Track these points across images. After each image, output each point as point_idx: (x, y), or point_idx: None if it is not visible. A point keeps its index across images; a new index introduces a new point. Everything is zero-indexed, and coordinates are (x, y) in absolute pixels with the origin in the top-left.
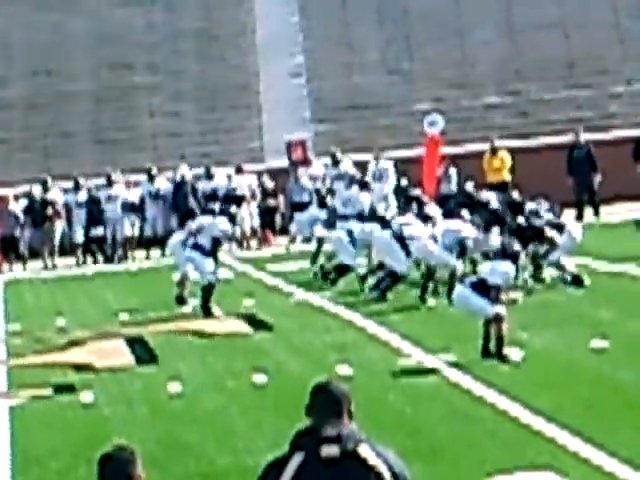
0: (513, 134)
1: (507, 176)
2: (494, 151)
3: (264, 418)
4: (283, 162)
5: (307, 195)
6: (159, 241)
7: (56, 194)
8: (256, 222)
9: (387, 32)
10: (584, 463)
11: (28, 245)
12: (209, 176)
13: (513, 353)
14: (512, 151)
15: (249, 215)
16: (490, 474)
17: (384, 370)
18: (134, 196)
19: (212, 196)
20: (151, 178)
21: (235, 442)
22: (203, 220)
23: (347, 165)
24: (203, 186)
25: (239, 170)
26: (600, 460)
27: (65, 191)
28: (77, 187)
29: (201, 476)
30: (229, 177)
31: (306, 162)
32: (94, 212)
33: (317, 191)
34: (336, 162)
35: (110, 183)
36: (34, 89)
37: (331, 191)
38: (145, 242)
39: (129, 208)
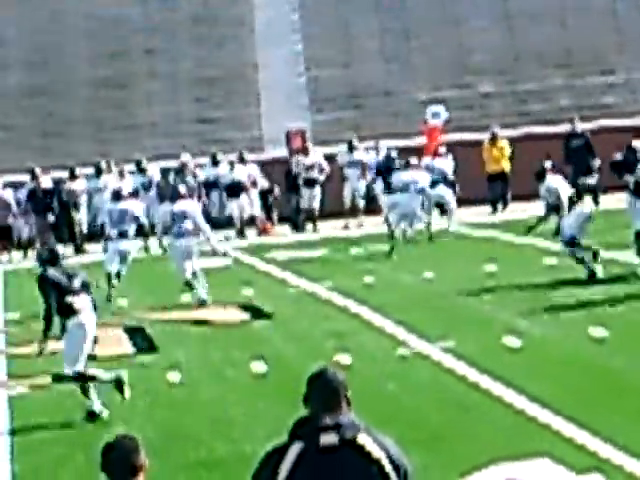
0: (511, 123)
1: (506, 165)
2: (494, 140)
3: (263, 406)
4: (282, 151)
5: None
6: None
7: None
8: (257, 211)
9: (385, 21)
10: (580, 450)
11: (28, 234)
12: (215, 162)
13: (510, 341)
14: (510, 140)
15: (249, 204)
16: (489, 463)
17: (383, 358)
18: (128, 186)
19: (213, 184)
20: (141, 170)
21: (234, 430)
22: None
23: (361, 154)
24: (206, 173)
25: (242, 159)
26: (595, 447)
27: (55, 182)
28: (73, 176)
29: (200, 464)
30: (232, 165)
31: (305, 151)
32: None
33: (311, 180)
34: (351, 148)
35: (99, 173)
36: (31, 77)
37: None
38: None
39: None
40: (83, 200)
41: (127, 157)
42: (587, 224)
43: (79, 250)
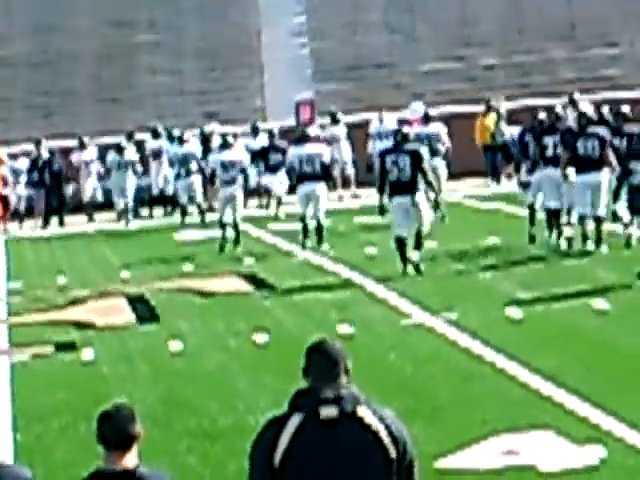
0: (513, 95)
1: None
2: (487, 112)
3: (265, 377)
4: (284, 122)
5: None
6: (164, 200)
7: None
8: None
9: None
10: (582, 422)
11: (27, 204)
12: (255, 132)
13: (513, 313)
14: (511, 112)
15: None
16: (490, 434)
17: (385, 329)
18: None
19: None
20: (155, 136)
21: (236, 401)
22: None
23: (341, 128)
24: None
25: (255, 130)
26: (597, 419)
27: (63, 151)
28: (82, 146)
29: (202, 434)
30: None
31: (312, 122)
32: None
33: None
34: (335, 121)
35: (120, 150)
36: (35, 47)
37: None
38: (149, 201)
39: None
40: (93, 169)
41: (130, 128)
42: None
43: (63, 222)
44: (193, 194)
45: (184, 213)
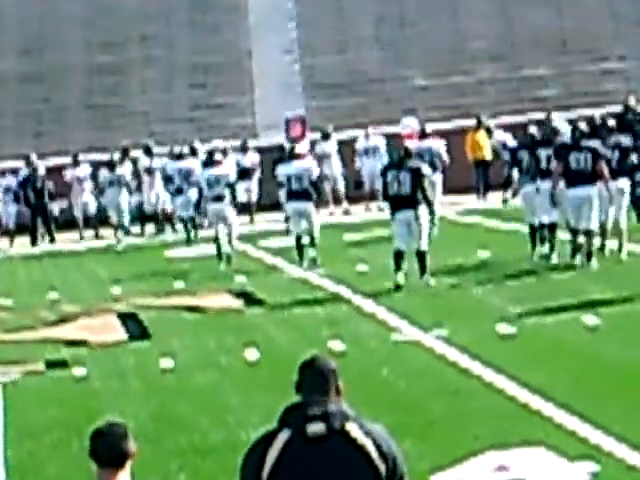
0: (506, 110)
1: (487, 153)
2: (477, 128)
3: (256, 393)
4: (276, 138)
5: None
6: (156, 217)
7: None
8: (254, 198)
9: (380, 7)
10: (574, 437)
11: (18, 221)
12: (245, 150)
13: (504, 328)
14: (505, 127)
15: (247, 191)
16: (482, 450)
17: (377, 345)
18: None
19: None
20: (148, 153)
21: (227, 417)
22: None
23: (332, 145)
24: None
25: (244, 148)
26: (587, 433)
27: (54, 168)
28: (76, 163)
29: (193, 451)
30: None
31: (303, 138)
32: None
33: None
34: (326, 137)
35: (112, 165)
36: (26, 63)
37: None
38: (141, 218)
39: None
40: (87, 186)
41: (121, 144)
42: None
43: (53, 239)
44: (191, 212)
45: (186, 227)
